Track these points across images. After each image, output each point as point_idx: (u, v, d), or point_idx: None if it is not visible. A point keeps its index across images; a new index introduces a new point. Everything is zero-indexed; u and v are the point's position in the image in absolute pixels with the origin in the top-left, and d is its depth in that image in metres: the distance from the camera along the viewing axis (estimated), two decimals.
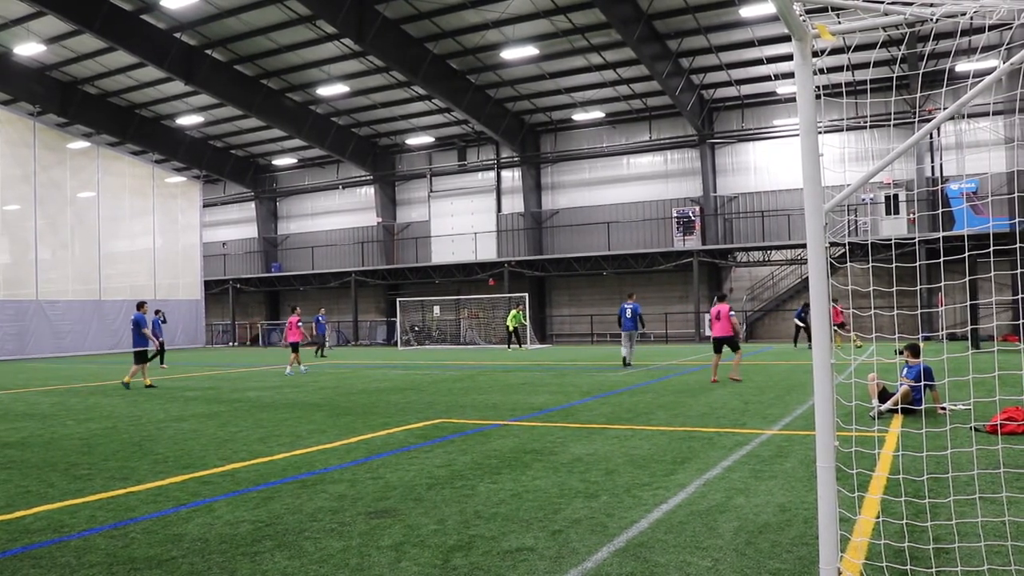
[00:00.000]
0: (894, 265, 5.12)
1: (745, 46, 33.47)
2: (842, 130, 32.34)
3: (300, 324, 23.87)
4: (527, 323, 37.46)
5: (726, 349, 16.77)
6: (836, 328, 25.89)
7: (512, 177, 45.10)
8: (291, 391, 16.85)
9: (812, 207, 4.17)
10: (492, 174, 45.77)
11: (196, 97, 40.07)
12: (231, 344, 48.66)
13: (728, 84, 37.62)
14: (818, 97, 4.14)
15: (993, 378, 4.77)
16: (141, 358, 18.81)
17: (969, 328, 23.50)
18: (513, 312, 36.24)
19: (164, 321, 27.49)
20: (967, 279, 5.22)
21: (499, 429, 10.60)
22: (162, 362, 25.96)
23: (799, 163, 4.29)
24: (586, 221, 42.51)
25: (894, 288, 4.80)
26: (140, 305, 20.02)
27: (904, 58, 29.92)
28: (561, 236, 43.42)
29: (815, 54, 4.19)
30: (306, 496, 6.90)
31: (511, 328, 36.14)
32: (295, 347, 23.20)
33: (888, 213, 35.13)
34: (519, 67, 36.08)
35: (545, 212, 44.09)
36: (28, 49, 34.09)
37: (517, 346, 35.97)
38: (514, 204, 44.85)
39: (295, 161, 50.74)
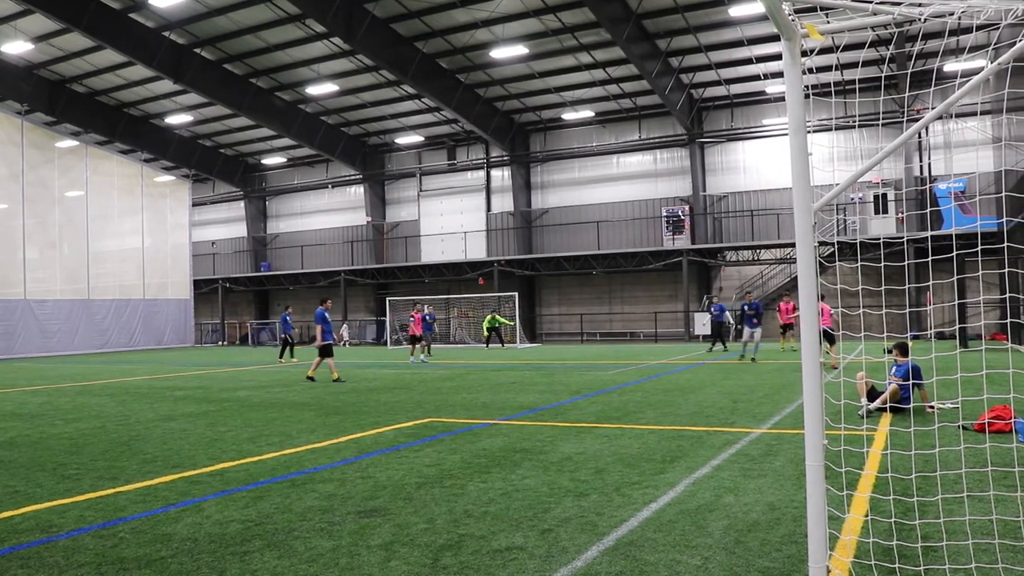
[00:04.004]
0: (883, 264, 5.13)
1: (734, 45, 33.56)
2: (831, 129, 32.42)
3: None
4: (512, 323, 37.51)
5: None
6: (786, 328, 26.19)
7: (502, 176, 45.09)
8: (280, 391, 16.81)
9: (801, 206, 4.18)
10: (482, 173, 45.76)
11: (185, 96, 39.92)
12: (220, 343, 48.49)
13: (717, 83, 37.71)
14: (807, 96, 4.15)
15: (981, 377, 4.80)
16: (327, 351, 18.96)
17: (957, 327, 23.62)
18: (488, 316, 36.38)
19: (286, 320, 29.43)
20: (955, 278, 5.25)
21: (489, 428, 10.60)
22: (292, 355, 28.34)
23: (788, 162, 4.30)
24: (576, 220, 42.55)
25: (883, 287, 4.81)
26: (323, 301, 20.02)
27: (892, 58, 30.04)
28: (551, 235, 43.45)
29: (804, 53, 4.20)
30: (295, 495, 6.88)
31: (487, 331, 36.27)
32: (414, 339, 26.77)
33: (877, 212, 35.26)
34: (509, 66, 36.08)
35: (535, 211, 44.11)
36: (15, 47, 33.91)
37: (499, 345, 36.06)
38: (504, 203, 44.85)
39: (284, 160, 50.62)
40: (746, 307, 22.73)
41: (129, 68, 36.58)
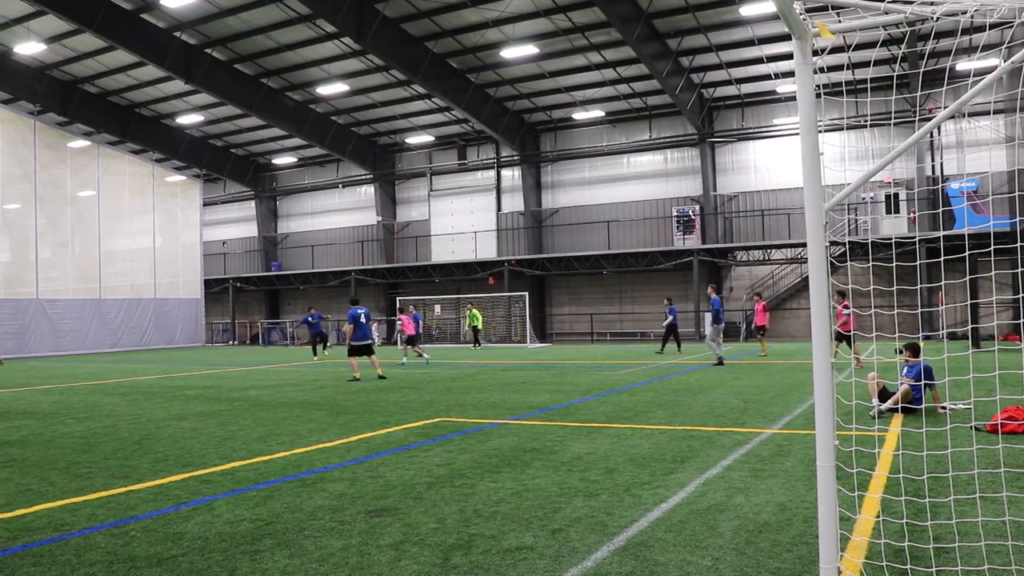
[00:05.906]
0: (894, 264, 5.11)
1: (745, 45, 33.46)
2: (842, 129, 32.31)
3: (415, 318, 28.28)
4: (481, 326, 37.05)
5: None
6: (760, 332, 26.04)
7: (512, 176, 45.09)
8: (291, 390, 16.85)
9: (812, 206, 4.16)
10: (492, 173, 45.76)
11: (196, 96, 40.06)
12: (231, 343, 48.65)
13: (728, 83, 37.60)
14: (818, 96, 4.14)
15: (993, 377, 4.77)
16: (411, 342, 19.67)
17: (969, 327, 23.50)
18: (469, 313, 36.19)
19: (320, 318, 31.65)
20: (967, 278, 5.22)
21: (499, 428, 10.60)
22: (325, 349, 30.45)
23: (799, 162, 4.29)
24: (586, 220, 42.50)
25: (894, 287, 4.80)
26: (355, 301, 20.35)
27: (904, 57, 29.90)
28: (561, 235, 43.42)
29: (815, 53, 4.18)
30: (306, 495, 6.90)
31: (471, 329, 36.08)
32: (409, 340, 27.25)
33: (888, 212, 35.11)
34: (519, 66, 36.06)
35: (545, 211, 44.09)
36: (28, 48, 34.08)
37: (478, 345, 35.80)
38: (514, 203, 44.83)
39: (295, 160, 50.73)
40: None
41: (140, 68, 36.73)
